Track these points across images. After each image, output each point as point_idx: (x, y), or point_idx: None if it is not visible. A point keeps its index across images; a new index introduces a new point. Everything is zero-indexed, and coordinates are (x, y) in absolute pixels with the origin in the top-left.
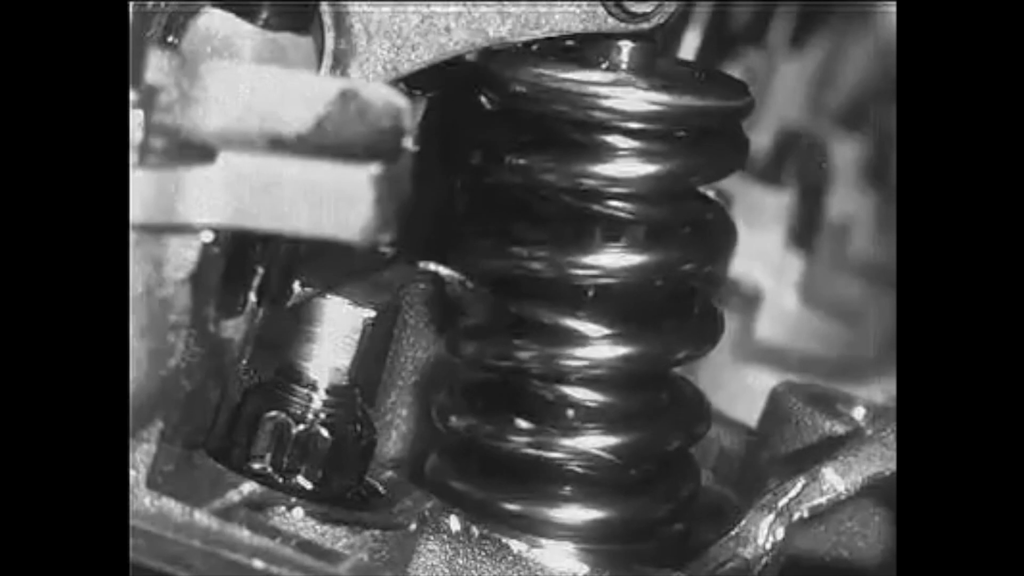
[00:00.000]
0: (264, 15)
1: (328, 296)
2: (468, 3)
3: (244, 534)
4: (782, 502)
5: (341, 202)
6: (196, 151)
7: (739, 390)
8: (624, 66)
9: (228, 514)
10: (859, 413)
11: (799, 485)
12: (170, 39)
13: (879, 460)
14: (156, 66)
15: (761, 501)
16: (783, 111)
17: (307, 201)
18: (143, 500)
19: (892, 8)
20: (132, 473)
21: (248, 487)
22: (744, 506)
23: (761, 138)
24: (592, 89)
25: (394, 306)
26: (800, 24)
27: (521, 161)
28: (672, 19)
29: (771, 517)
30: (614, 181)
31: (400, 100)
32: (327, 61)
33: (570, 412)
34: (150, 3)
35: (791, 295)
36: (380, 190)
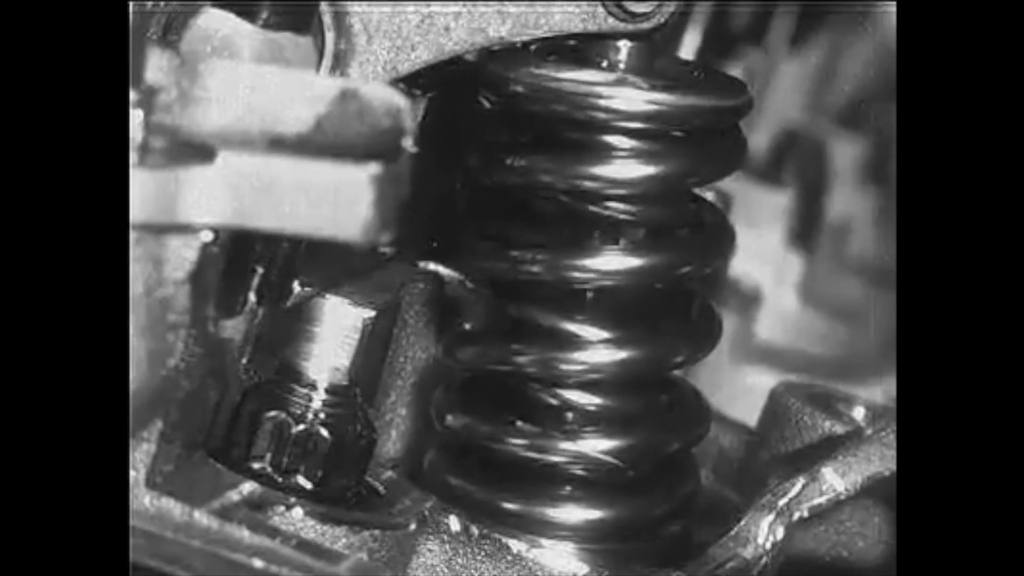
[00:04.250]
0: (264, 15)
1: (328, 296)
2: (467, 3)
3: (244, 534)
4: (782, 502)
5: (341, 202)
6: (196, 151)
7: (739, 390)
8: (623, 66)
9: (228, 514)
10: (859, 413)
11: (799, 485)
12: (170, 39)
13: (879, 460)
14: (156, 66)
15: (761, 501)
16: (783, 111)
17: (307, 201)
18: (143, 500)
19: (892, 8)
20: (132, 473)
21: (248, 487)
22: (744, 506)
23: (761, 138)
24: (590, 89)
25: (394, 306)
26: (800, 24)
27: (519, 162)
28: (672, 19)
29: (771, 517)
30: (612, 182)
31: (400, 100)
32: (327, 61)
33: (569, 415)
34: (150, 3)
35: (791, 295)
36: (380, 190)
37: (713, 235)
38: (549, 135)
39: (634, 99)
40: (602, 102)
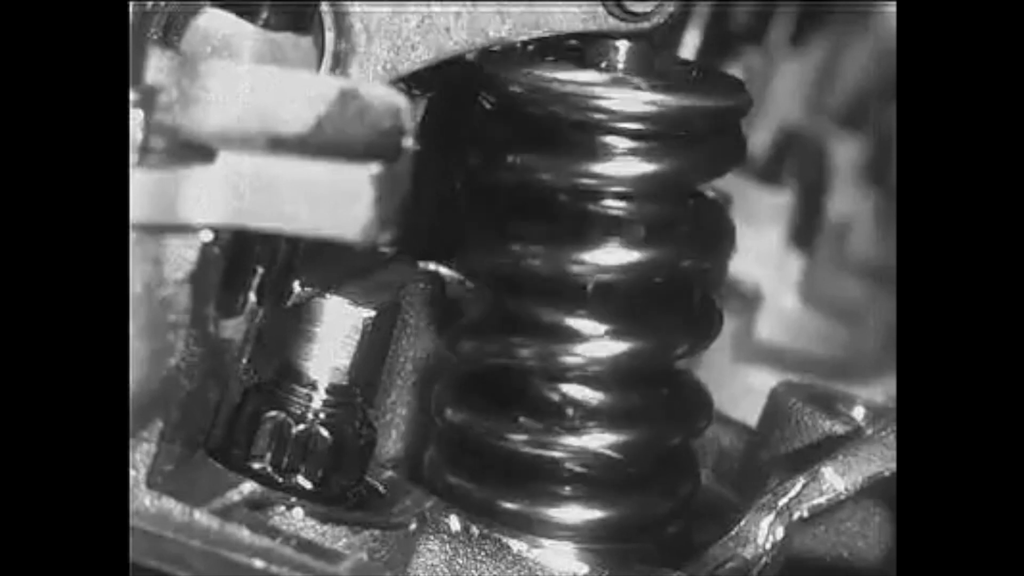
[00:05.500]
0: (264, 15)
1: (328, 296)
2: (468, 3)
3: (244, 534)
4: (782, 502)
5: (341, 202)
6: (196, 151)
7: (739, 390)
8: (621, 66)
9: (228, 514)
10: (859, 413)
11: (799, 485)
12: (170, 39)
13: (879, 460)
14: (156, 66)
15: (761, 501)
16: (783, 111)
17: (307, 201)
18: (143, 500)
19: (892, 8)
20: (132, 473)
21: (248, 487)
22: (744, 506)
23: (761, 138)
24: (589, 90)
25: (394, 306)
26: (800, 24)
27: (519, 160)
28: (672, 19)
29: (771, 517)
30: (611, 180)
31: (400, 100)
32: (327, 61)
33: (571, 410)
34: (150, 3)
35: (791, 295)
36: (380, 189)
37: (713, 231)
38: (548, 134)
39: (632, 99)
40: (600, 103)
